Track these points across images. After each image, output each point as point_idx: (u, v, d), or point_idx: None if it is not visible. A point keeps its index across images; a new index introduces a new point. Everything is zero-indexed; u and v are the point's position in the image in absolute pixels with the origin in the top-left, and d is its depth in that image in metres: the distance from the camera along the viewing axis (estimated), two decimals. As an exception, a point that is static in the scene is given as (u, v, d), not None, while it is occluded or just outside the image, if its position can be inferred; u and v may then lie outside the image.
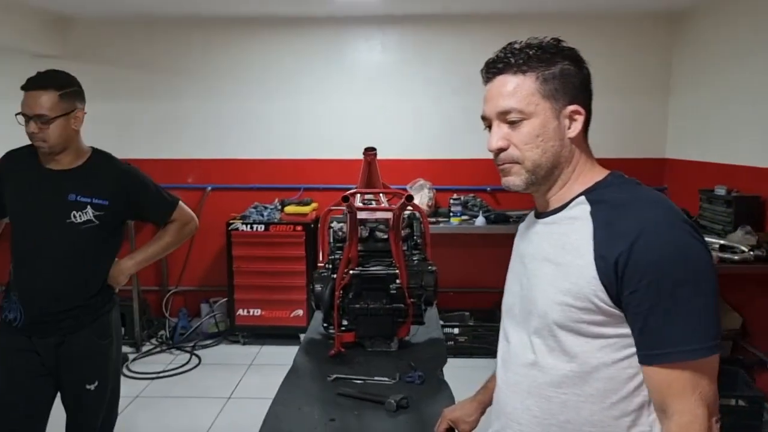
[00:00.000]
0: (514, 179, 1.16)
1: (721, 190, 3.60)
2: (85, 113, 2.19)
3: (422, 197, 4.54)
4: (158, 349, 4.56)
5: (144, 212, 2.35)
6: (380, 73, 4.78)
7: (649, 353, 1.02)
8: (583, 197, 1.14)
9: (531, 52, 1.14)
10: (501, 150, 1.15)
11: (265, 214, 4.59)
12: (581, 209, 1.13)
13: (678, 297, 0.99)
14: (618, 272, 1.02)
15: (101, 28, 4.75)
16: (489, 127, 1.18)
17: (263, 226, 4.46)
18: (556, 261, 1.12)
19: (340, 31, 4.73)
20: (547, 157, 1.13)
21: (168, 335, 4.73)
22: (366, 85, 4.78)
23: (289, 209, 4.58)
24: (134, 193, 2.25)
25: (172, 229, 2.35)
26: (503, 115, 1.14)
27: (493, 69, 1.17)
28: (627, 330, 1.05)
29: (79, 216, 2.11)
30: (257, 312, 4.55)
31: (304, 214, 4.54)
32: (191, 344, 4.60)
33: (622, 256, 1.01)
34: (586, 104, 1.17)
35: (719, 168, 3.90)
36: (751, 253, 3.08)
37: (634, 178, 1.18)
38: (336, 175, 4.74)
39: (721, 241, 3.16)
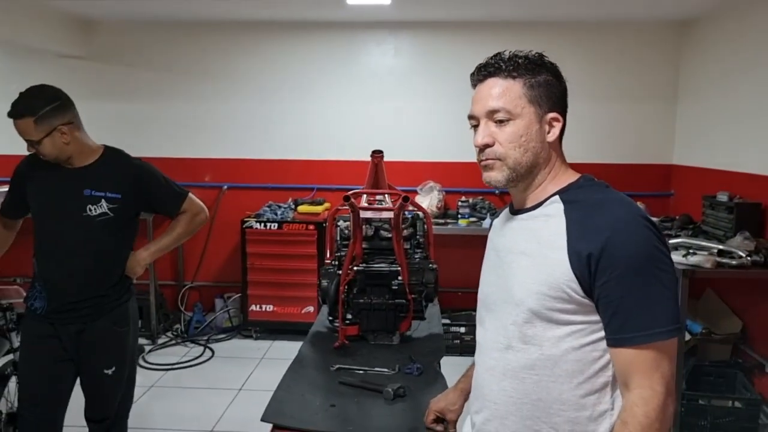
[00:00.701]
0: (496, 175, 1.27)
1: (723, 197, 3.66)
2: (71, 123, 2.21)
3: (432, 199, 4.65)
4: (173, 342, 4.71)
5: (155, 204, 2.45)
6: (392, 77, 4.90)
7: (618, 337, 1.14)
8: (557, 197, 1.26)
9: (520, 61, 1.26)
10: (486, 146, 1.26)
11: (279, 212, 4.72)
12: (555, 208, 1.24)
13: (644, 287, 1.12)
14: (591, 265, 1.14)
15: (124, 31, 4.92)
16: (475, 126, 1.31)
17: (277, 225, 4.58)
18: (531, 254, 1.23)
19: (353, 36, 4.86)
20: (528, 156, 1.25)
21: (183, 329, 4.88)
22: (378, 88, 4.90)
23: (302, 209, 4.71)
24: (145, 186, 2.36)
25: (183, 220, 2.46)
26: (491, 114, 1.26)
27: (484, 72, 1.29)
28: (593, 318, 1.17)
29: (95, 209, 2.24)
30: (270, 308, 4.68)
31: (317, 214, 4.66)
32: (205, 338, 4.75)
33: (595, 251, 1.13)
34: (563, 114, 1.29)
35: (723, 175, 3.96)
36: (749, 258, 3.13)
37: (603, 180, 1.29)
38: (348, 176, 4.86)
39: (720, 246, 3.23)
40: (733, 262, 3.15)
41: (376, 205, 2.41)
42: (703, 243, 3.32)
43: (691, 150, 4.53)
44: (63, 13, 4.50)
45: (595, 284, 1.14)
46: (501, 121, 1.25)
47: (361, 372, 2.10)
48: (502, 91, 1.25)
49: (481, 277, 1.44)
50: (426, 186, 4.74)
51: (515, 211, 1.35)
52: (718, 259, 3.17)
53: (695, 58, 4.48)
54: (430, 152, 4.91)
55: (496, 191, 4.83)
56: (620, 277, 1.11)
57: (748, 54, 3.75)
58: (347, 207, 2.11)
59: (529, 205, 1.31)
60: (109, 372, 2.34)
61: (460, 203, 4.61)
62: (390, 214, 2.31)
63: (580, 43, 4.62)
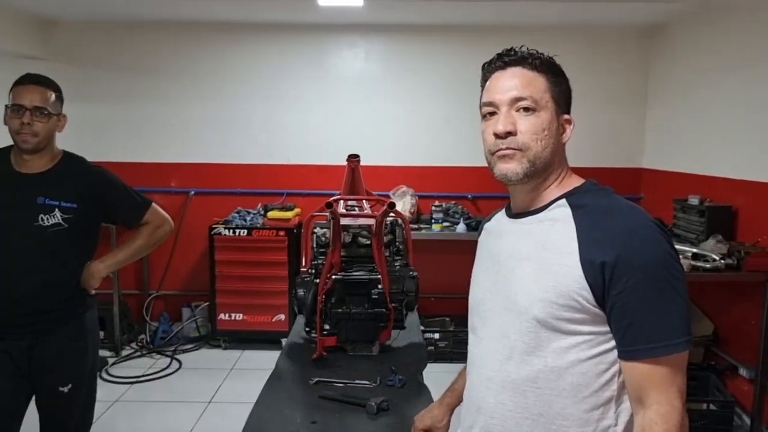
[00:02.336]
0: (515, 167, 1.19)
1: (694, 200, 3.69)
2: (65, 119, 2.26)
3: (405, 204, 4.60)
4: (138, 354, 4.54)
5: (114, 214, 2.33)
6: (364, 80, 4.83)
7: (632, 349, 1.09)
8: (563, 200, 1.21)
9: (543, 58, 1.23)
10: (509, 134, 1.18)
11: (248, 218, 4.60)
12: (561, 212, 1.19)
13: (660, 297, 1.07)
14: (605, 274, 1.08)
15: (84, 31, 4.75)
16: (490, 114, 1.23)
17: (246, 231, 4.47)
18: (537, 260, 1.17)
19: (325, 38, 4.78)
20: (547, 152, 1.19)
21: (148, 339, 4.71)
22: (350, 91, 4.83)
23: (272, 214, 4.60)
24: (103, 195, 2.25)
25: (144, 231, 2.34)
26: (516, 102, 1.19)
27: (507, 59, 1.23)
28: (603, 328, 1.12)
29: (47, 219, 2.12)
30: (239, 316, 4.56)
31: (287, 220, 4.56)
32: (172, 348, 4.59)
33: (610, 259, 1.07)
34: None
35: (693, 178, 4.01)
36: (722, 261, 3.16)
37: (609, 186, 1.24)
38: (319, 181, 4.78)
39: (694, 250, 3.25)
40: (707, 266, 3.17)
41: (356, 212, 2.33)
42: (678, 246, 3.33)
43: (661, 153, 4.58)
44: (20, 11, 4.31)
45: (610, 293, 1.08)
46: (526, 110, 1.18)
47: (341, 385, 2.02)
48: (528, 81, 1.20)
49: (472, 283, 1.38)
50: (399, 191, 4.69)
51: (515, 215, 1.29)
52: (693, 262, 3.19)
53: (664, 63, 4.54)
54: (403, 156, 4.86)
55: (469, 196, 4.81)
56: (636, 286, 1.07)
57: (716, 59, 3.80)
58: (326, 214, 2.03)
59: (532, 208, 1.25)
60: (65, 389, 2.20)
61: (433, 208, 4.57)
62: (369, 221, 2.24)
63: (551, 47, 4.54)
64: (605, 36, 4.73)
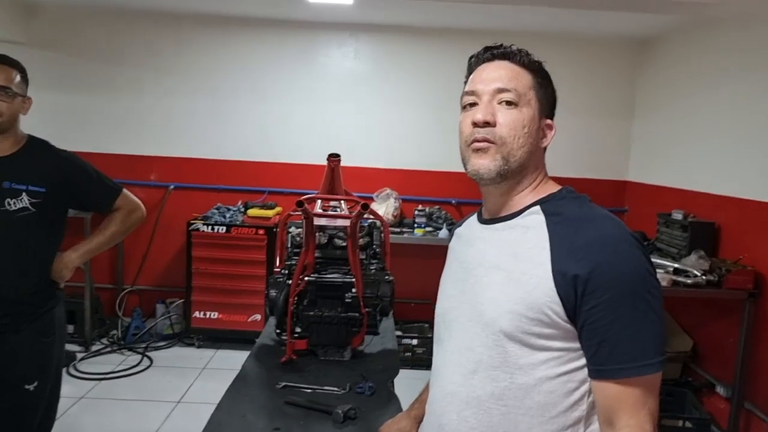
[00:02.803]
0: (488, 162, 1.13)
1: (678, 215, 3.67)
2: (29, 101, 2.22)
3: (388, 207, 4.54)
4: (108, 349, 4.43)
5: (85, 199, 2.26)
6: (351, 80, 4.77)
7: (603, 368, 1.02)
8: (537, 207, 1.14)
9: (531, 57, 1.19)
10: (487, 124, 1.12)
11: (228, 215, 4.52)
12: (535, 219, 1.13)
13: (634, 314, 1.01)
14: (577, 287, 1.02)
15: (68, 17, 4.64)
16: (471, 105, 1.17)
17: (225, 228, 4.39)
18: (506, 269, 1.11)
19: (313, 36, 4.71)
20: (523, 152, 1.13)
21: (120, 335, 4.60)
22: (337, 91, 4.77)
23: (252, 212, 4.52)
24: (73, 179, 2.17)
25: (117, 217, 2.27)
26: (499, 93, 1.14)
27: (495, 51, 1.19)
28: (574, 345, 1.05)
29: (14, 203, 2.04)
30: (214, 315, 4.47)
31: (268, 218, 4.48)
32: (144, 345, 4.49)
33: (583, 272, 1.01)
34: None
35: (678, 193, 3.99)
36: (704, 277, 3.14)
37: (585, 194, 1.18)
38: (302, 180, 4.70)
39: (675, 265, 3.22)
40: (688, 281, 3.15)
41: (331, 212, 2.27)
42: (659, 261, 3.31)
43: (646, 167, 4.56)
44: (1, -6, 4.21)
45: (582, 308, 1.02)
46: (509, 103, 1.13)
47: (309, 391, 1.95)
48: (514, 74, 1.15)
49: (439, 291, 1.30)
50: (383, 193, 4.63)
51: (486, 220, 1.23)
52: (674, 277, 3.16)
53: (652, 76, 4.52)
54: (388, 159, 4.80)
55: (453, 201, 4.76)
56: (609, 301, 1.00)
57: (703, 74, 3.79)
58: (300, 213, 1.96)
59: (504, 213, 1.19)
60: (31, 387, 2.12)
61: (416, 212, 4.51)
62: (346, 222, 2.17)
63: (540, 55, 4.57)
64: (594, 47, 4.71)
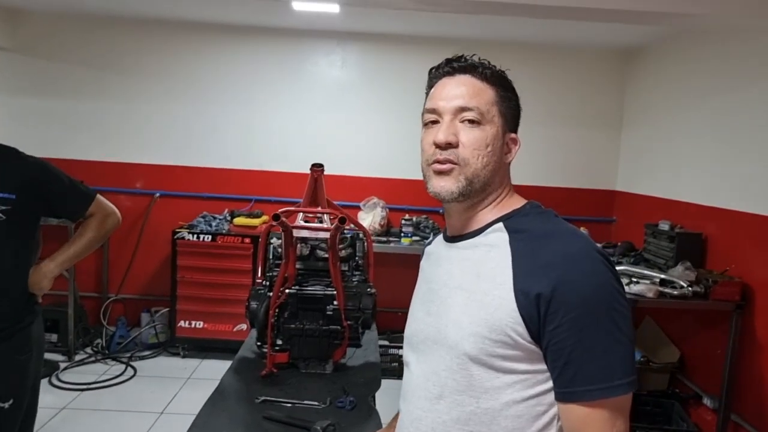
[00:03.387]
0: (451, 184, 1.09)
1: (665, 226, 3.67)
2: None
3: (375, 216, 4.51)
4: (92, 359, 4.36)
5: (58, 206, 2.18)
6: (338, 88, 4.76)
7: (568, 390, 0.99)
8: (500, 224, 1.11)
9: (494, 70, 1.14)
10: (449, 145, 1.09)
11: (214, 224, 4.48)
12: (498, 237, 1.10)
13: (600, 333, 0.97)
14: (540, 307, 0.98)
15: (54, 23, 4.61)
16: (432, 122, 1.14)
17: (210, 237, 4.34)
18: (469, 289, 1.08)
19: (300, 44, 4.69)
20: (487, 171, 1.10)
21: (104, 344, 4.54)
22: (324, 99, 4.75)
23: (238, 221, 4.48)
24: (45, 185, 2.09)
25: (92, 223, 2.21)
26: (461, 112, 1.10)
27: (456, 65, 1.14)
28: (540, 366, 1.02)
29: None
30: (199, 324, 4.42)
31: (254, 227, 4.44)
32: (128, 355, 4.43)
33: (546, 290, 0.98)
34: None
35: (665, 203, 3.99)
36: (690, 288, 3.13)
37: (551, 209, 1.15)
38: (288, 189, 4.67)
39: (662, 276, 3.21)
40: (675, 292, 3.13)
41: (312, 224, 2.24)
42: (646, 272, 3.30)
43: (634, 177, 4.56)
44: (-15, -1, 4.17)
45: (545, 329, 0.98)
46: (471, 122, 1.09)
47: (288, 405, 1.91)
48: (476, 91, 1.11)
49: (409, 312, 1.27)
50: (369, 202, 4.60)
51: (450, 238, 1.20)
52: (660, 288, 3.15)
53: (640, 86, 4.53)
54: (375, 168, 4.78)
55: (441, 210, 4.73)
56: (574, 321, 0.97)
57: (691, 85, 3.80)
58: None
59: (467, 230, 1.15)
60: (6, 405, 2.03)
61: (403, 221, 4.49)
62: (326, 234, 2.14)
63: (528, 65, 4.59)
64: (582, 57, 4.71)
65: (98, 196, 2.24)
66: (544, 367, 1.02)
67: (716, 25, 3.43)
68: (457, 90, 1.12)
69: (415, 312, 1.24)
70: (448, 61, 1.16)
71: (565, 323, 0.97)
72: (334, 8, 3.78)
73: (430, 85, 1.19)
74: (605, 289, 0.99)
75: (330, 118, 4.75)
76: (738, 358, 3.17)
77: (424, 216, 4.67)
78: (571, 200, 4.64)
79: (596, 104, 4.78)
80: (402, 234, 4.45)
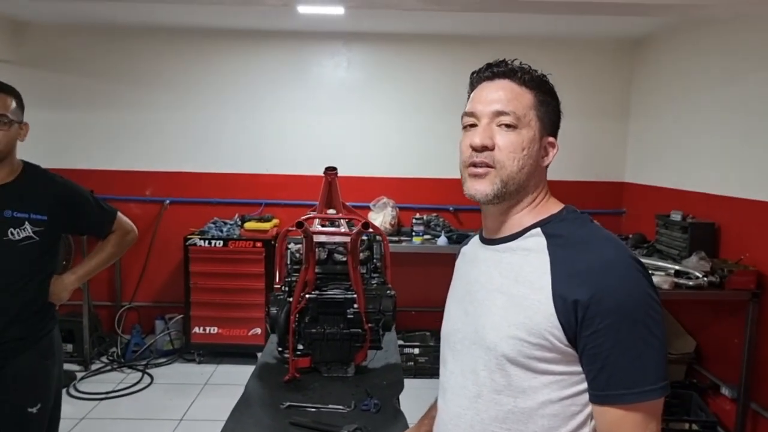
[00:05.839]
0: (485, 187, 1.12)
1: (677, 216, 3.66)
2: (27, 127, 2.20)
3: (385, 215, 4.52)
4: (108, 368, 4.39)
5: (85, 225, 2.31)
6: (345, 89, 4.76)
7: (603, 393, 1.02)
8: (538, 229, 1.13)
9: (534, 74, 1.16)
10: (486, 148, 1.11)
11: (225, 229, 4.49)
12: (536, 242, 1.11)
13: (635, 339, 1.00)
14: (578, 312, 1.01)
15: (57, 35, 4.62)
16: (471, 126, 1.16)
17: (222, 242, 4.36)
18: (508, 292, 1.10)
19: (306, 46, 4.69)
20: (523, 174, 1.12)
21: (120, 353, 4.57)
22: (330, 101, 4.75)
23: (249, 225, 4.49)
24: (73, 206, 2.20)
25: (113, 239, 2.32)
26: (498, 116, 1.12)
27: (496, 70, 1.16)
28: (576, 368, 1.05)
29: (17, 233, 2.05)
30: (214, 330, 4.44)
31: (265, 231, 4.45)
32: (144, 362, 4.45)
33: (583, 297, 1.00)
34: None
35: (676, 193, 3.98)
36: (705, 279, 3.12)
37: (586, 213, 1.17)
38: (298, 191, 4.69)
39: (677, 267, 3.21)
40: (690, 283, 3.13)
41: (331, 229, 2.25)
42: (660, 263, 3.30)
43: (643, 168, 4.55)
44: (-10, 13, 4.18)
45: (582, 334, 1.01)
46: (508, 126, 1.11)
47: (313, 410, 1.92)
48: (513, 95, 1.13)
49: (445, 309, 1.30)
50: (379, 202, 4.61)
51: (487, 240, 1.21)
52: (676, 279, 3.15)
53: (647, 76, 4.52)
54: (384, 167, 4.78)
55: (450, 208, 4.74)
56: (610, 327, 0.99)
57: (699, 74, 3.79)
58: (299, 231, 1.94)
59: (503, 234, 1.17)
60: (34, 410, 2.12)
61: (414, 220, 4.50)
62: (346, 238, 2.15)
63: (534, 59, 4.51)
64: (589, 49, 4.70)
65: (119, 213, 2.35)
66: (579, 368, 1.04)
67: (723, 14, 3.42)
68: (495, 94, 1.13)
69: (451, 311, 1.26)
70: (489, 66, 1.18)
71: (601, 329, 1.00)
72: (339, 10, 3.78)
73: (471, 88, 1.21)
74: (641, 296, 1.02)
75: (337, 119, 4.75)
76: (755, 346, 3.16)
77: (434, 214, 4.67)
78: (579, 193, 4.63)
79: (602, 95, 4.76)
80: (413, 233, 4.46)
